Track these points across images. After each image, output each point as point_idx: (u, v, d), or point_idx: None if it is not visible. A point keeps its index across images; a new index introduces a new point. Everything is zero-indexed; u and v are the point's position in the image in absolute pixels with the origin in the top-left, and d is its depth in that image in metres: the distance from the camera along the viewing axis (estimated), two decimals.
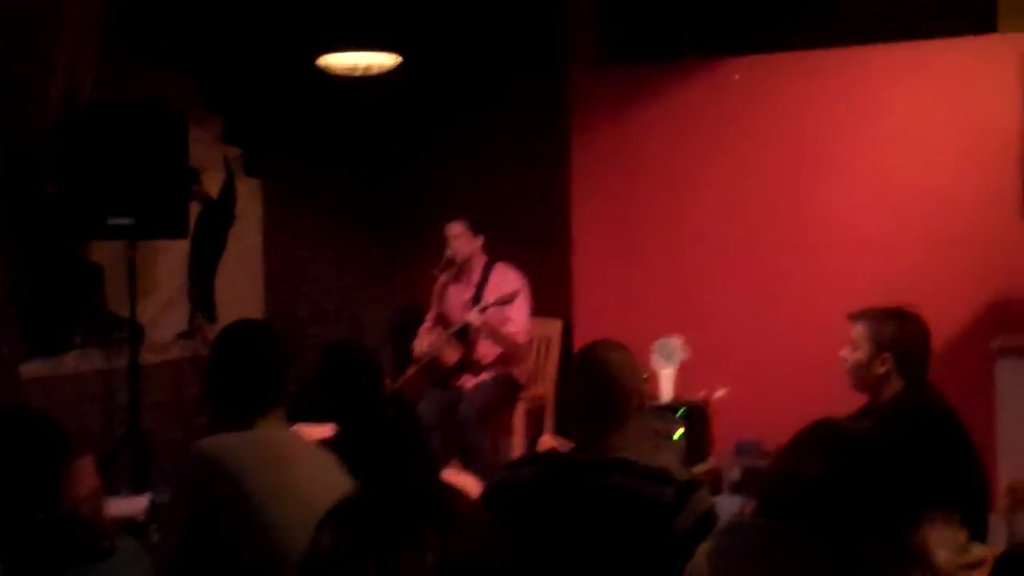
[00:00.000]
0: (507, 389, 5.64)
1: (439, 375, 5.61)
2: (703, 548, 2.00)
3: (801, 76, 5.53)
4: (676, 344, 5.25)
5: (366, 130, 6.87)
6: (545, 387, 6.02)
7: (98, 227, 4.93)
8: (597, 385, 2.54)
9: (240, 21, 5.94)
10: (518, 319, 5.48)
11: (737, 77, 5.63)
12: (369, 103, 6.58)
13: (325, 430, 3.16)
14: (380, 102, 6.60)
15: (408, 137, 6.93)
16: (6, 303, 4.91)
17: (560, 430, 5.40)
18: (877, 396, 3.30)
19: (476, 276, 5.64)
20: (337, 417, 3.20)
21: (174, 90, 5.60)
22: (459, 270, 5.70)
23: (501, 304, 5.36)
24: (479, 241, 5.63)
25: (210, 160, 5.96)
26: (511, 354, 5.60)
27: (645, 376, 2.70)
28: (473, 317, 5.39)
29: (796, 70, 5.54)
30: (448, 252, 5.63)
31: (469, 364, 5.61)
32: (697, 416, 5.13)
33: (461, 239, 5.59)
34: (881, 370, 3.26)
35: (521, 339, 5.58)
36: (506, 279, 5.56)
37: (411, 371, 5.67)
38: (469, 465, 4.95)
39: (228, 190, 6.17)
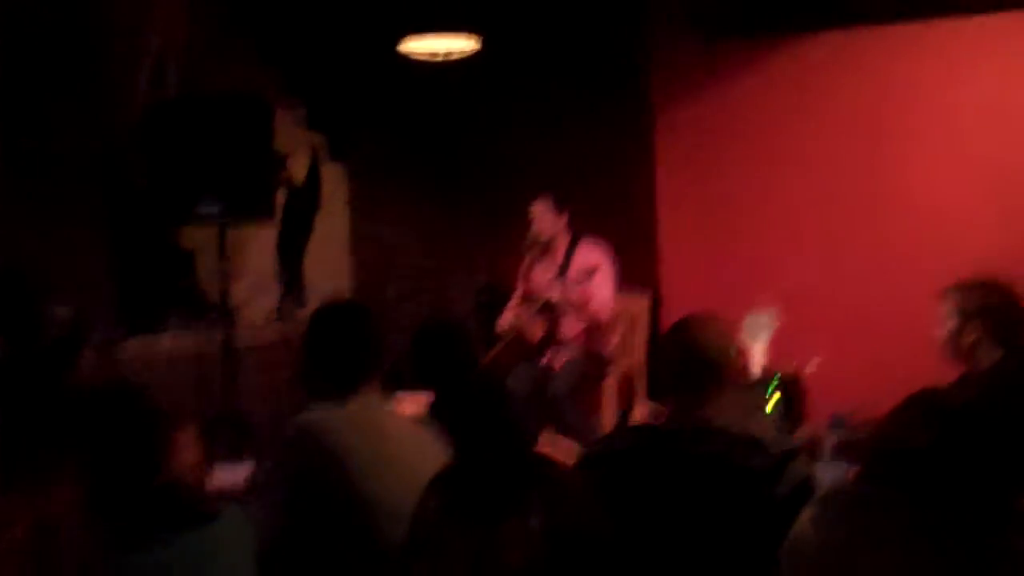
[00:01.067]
0: (595, 365, 5.62)
1: (525, 351, 5.62)
2: (807, 514, 1.98)
3: (886, 50, 5.42)
4: (766, 317, 5.19)
5: (448, 112, 6.89)
6: (634, 360, 5.99)
7: (188, 213, 5.03)
8: (692, 355, 2.52)
9: (322, 9, 5.99)
10: (600, 295, 5.46)
11: (820, 54, 5.54)
12: (450, 86, 6.59)
13: (421, 399, 3.18)
14: (461, 84, 6.61)
15: (490, 115, 6.93)
16: (103, 286, 5.05)
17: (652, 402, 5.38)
18: (973, 365, 3.25)
19: (561, 253, 5.64)
20: (432, 388, 3.22)
21: (258, 79, 5.68)
22: (544, 248, 5.69)
23: (579, 281, 5.35)
24: (563, 219, 5.61)
25: (295, 147, 6.04)
26: (596, 330, 5.59)
27: (737, 348, 2.68)
28: (553, 292, 5.39)
29: (880, 44, 5.42)
30: (533, 230, 5.64)
31: (554, 340, 5.61)
32: (790, 386, 5.07)
33: (545, 217, 5.58)
34: (971, 338, 3.22)
35: (604, 315, 5.54)
36: (590, 255, 5.54)
37: (498, 347, 5.69)
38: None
39: (313, 176, 6.25)
